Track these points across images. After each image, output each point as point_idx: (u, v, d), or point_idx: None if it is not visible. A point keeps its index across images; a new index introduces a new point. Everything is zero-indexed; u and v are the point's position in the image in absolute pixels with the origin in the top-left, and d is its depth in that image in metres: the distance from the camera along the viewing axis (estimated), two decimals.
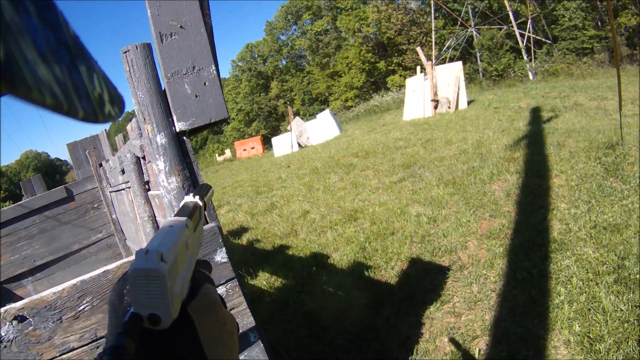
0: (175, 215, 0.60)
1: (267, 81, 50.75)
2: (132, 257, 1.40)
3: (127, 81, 1.74)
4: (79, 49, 0.34)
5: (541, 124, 9.46)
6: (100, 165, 5.03)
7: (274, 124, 48.02)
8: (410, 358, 2.99)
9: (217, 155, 34.92)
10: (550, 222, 4.50)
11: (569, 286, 3.37)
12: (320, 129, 20.04)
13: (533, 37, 28.36)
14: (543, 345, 2.84)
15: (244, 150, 27.05)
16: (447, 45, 32.78)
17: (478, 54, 30.41)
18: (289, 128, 20.98)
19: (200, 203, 0.69)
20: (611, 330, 2.83)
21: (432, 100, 15.53)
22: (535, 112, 11.11)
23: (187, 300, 0.55)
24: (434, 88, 15.71)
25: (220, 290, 1.58)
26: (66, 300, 1.36)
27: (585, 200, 4.79)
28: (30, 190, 5.89)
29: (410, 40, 38.50)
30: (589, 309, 3.07)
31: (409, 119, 16.18)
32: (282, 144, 20.58)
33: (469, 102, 15.83)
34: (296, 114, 31.45)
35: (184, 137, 1.76)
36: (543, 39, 28.92)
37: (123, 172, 3.44)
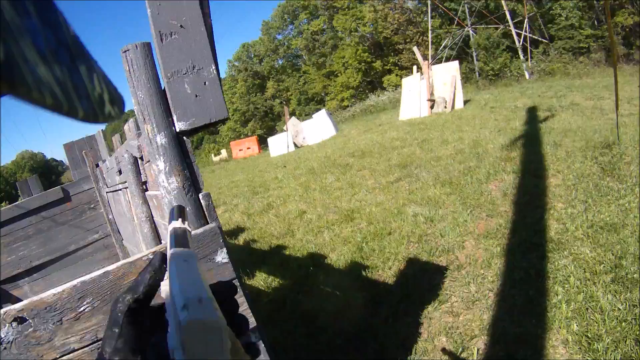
0: (175, 246, 0.56)
1: (263, 81, 50.81)
2: (133, 258, 1.40)
3: (126, 81, 1.73)
4: (79, 49, 0.34)
5: (538, 123, 9.47)
6: (97, 165, 5.02)
7: (270, 124, 48.05)
8: (409, 358, 2.98)
9: (213, 155, 34.98)
10: (547, 222, 4.50)
11: (566, 286, 3.37)
12: (316, 128, 20.05)
13: (529, 37, 28.41)
14: (541, 345, 2.85)
15: (240, 150, 27.07)
16: (443, 44, 32.80)
17: (474, 54, 30.46)
18: (285, 128, 21.00)
19: (190, 228, 0.63)
20: (609, 330, 2.83)
21: (429, 100, 15.55)
22: (532, 112, 11.13)
23: None
24: (431, 88, 15.73)
25: None
26: (66, 301, 1.34)
27: (582, 199, 4.80)
28: (26, 191, 5.86)
29: (407, 40, 38.57)
30: (587, 309, 3.07)
31: (405, 119, 16.20)
32: (278, 144, 20.62)
33: (466, 102, 15.85)
34: (292, 114, 31.43)
35: (184, 137, 1.75)
36: (539, 39, 29.00)
37: (120, 172, 3.43)
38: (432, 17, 33.67)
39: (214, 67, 1.71)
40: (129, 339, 0.51)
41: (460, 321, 3.27)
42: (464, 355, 2.91)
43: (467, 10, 32.05)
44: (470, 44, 31.17)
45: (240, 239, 6.79)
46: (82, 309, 1.35)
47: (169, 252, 0.55)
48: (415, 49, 18.70)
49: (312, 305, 4.05)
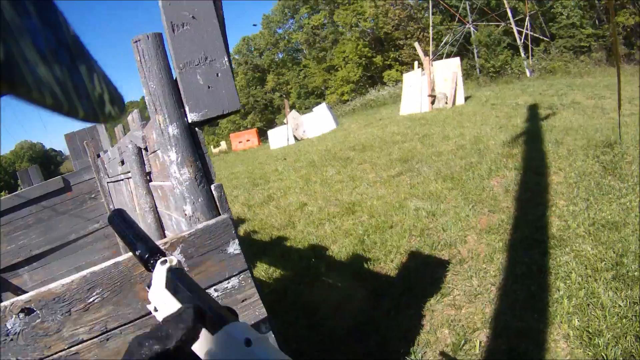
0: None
1: (263, 74, 50.68)
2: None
3: (137, 71, 1.73)
4: (79, 49, 0.34)
5: (539, 121, 9.48)
6: (98, 156, 5.03)
7: (269, 117, 47.94)
8: (411, 349, 3.00)
9: (212, 147, 34.83)
10: (549, 219, 4.52)
11: (568, 282, 3.40)
12: (316, 122, 20.01)
13: (531, 35, 28.36)
14: (543, 339, 2.87)
15: (240, 142, 27.02)
16: (444, 41, 32.74)
17: (475, 51, 30.40)
18: (285, 121, 20.95)
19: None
20: (610, 326, 2.85)
21: (429, 96, 15.54)
22: (533, 110, 11.14)
23: None
24: (432, 84, 15.71)
25: (234, 281, 1.59)
26: (75, 292, 1.35)
27: (584, 197, 4.82)
28: (27, 181, 5.88)
29: (408, 36, 38.49)
30: (588, 305, 3.09)
31: (405, 114, 16.18)
32: (278, 137, 20.59)
33: (466, 98, 15.84)
34: (292, 107, 31.36)
35: (197, 129, 1.75)
36: (541, 37, 28.95)
37: (123, 162, 3.45)
38: (433, 14, 33.57)
39: (226, 59, 1.71)
40: None
41: (462, 314, 3.29)
42: (466, 347, 2.93)
43: (468, 7, 31.96)
44: (471, 41, 31.10)
45: (241, 230, 6.80)
46: (91, 299, 1.38)
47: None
48: (416, 44, 18.70)
49: (314, 296, 4.07)
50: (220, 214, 1.76)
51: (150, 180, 2.75)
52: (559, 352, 2.75)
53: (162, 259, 0.65)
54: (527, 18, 28.36)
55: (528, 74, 25.41)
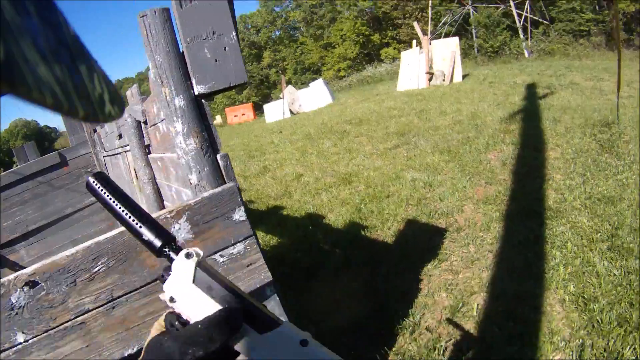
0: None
1: (260, 51, 50.32)
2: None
3: (143, 45, 1.74)
4: (79, 49, 0.34)
5: (537, 99, 9.48)
6: (95, 130, 5.03)
7: (265, 92, 47.72)
8: (409, 311, 3.03)
9: None
10: (545, 191, 4.55)
11: (564, 250, 3.43)
12: (312, 96, 19.95)
13: (530, 17, 28.22)
14: (539, 303, 2.90)
15: (235, 116, 26.96)
16: (443, 21, 32.48)
17: (474, 31, 30.25)
18: (281, 95, 20.91)
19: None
20: (605, 292, 2.89)
21: (427, 73, 15.48)
22: (531, 89, 11.12)
23: None
24: (430, 62, 15.64)
25: (239, 247, 1.63)
26: (80, 262, 1.37)
27: (581, 173, 4.84)
28: (23, 157, 5.83)
29: (406, 15, 38.14)
30: (584, 272, 3.13)
31: (402, 90, 16.12)
32: (274, 111, 20.57)
33: (464, 76, 15.80)
34: (288, 82, 31.19)
35: (203, 100, 1.77)
36: (540, 19, 28.78)
37: (120, 136, 3.49)
38: None
39: (234, 33, 1.73)
40: None
41: (459, 279, 3.32)
42: (463, 310, 2.96)
43: None
44: (470, 22, 30.93)
45: None
46: (96, 269, 1.39)
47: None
48: (415, 24, 18.50)
49: (311, 262, 4.08)
50: (225, 183, 1.77)
51: (150, 153, 2.80)
52: (554, 316, 2.78)
53: (185, 251, 0.60)
54: (528, 1, 28.19)
55: (526, 54, 25.37)
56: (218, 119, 31.43)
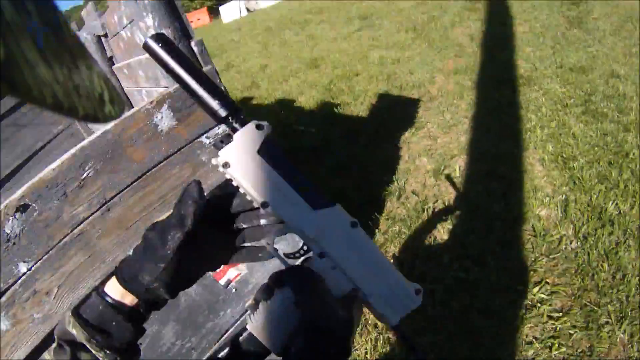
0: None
1: None
2: (131, 112, 1.41)
3: None
4: (79, 49, 0.33)
5: None
6: None
7: None
8: (393, 177, 3.01)
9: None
10: (516, 62, 4.51)
11: (539, 114, 3.44)
12: None
13: None
14: (520, 162, 2.93)
15: (191, 22, 25.66)
16: None
17: None
18: None
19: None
20: (583, 152, 2.92)
21: None
22: None
23: None
24: None
25: (223, 126, 1.56)
26: (67, 172, 1.31)
27: (550, 45, 4.79)
28: None
29: None
30: (560, 134, 3.15)
31: None
32: (230, 11, 20.17)
33: None
34: None
35: None
36: None
37: None
38: None
39: None
40: (171, 274, 0.53)
41: (438, 144, 3.30)
42: (446, 172, 2.96)
43: None
44: None
45: None
46: (84, 175, 1.35)
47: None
48: None
49: (289, 144, 3.99)
50: (202, 67, 1.72)
51: (114, 64, 2.75)
52: (536, 174, 2.81)
53: (257, 122, 0.58)
54: None
55: None
56: None
